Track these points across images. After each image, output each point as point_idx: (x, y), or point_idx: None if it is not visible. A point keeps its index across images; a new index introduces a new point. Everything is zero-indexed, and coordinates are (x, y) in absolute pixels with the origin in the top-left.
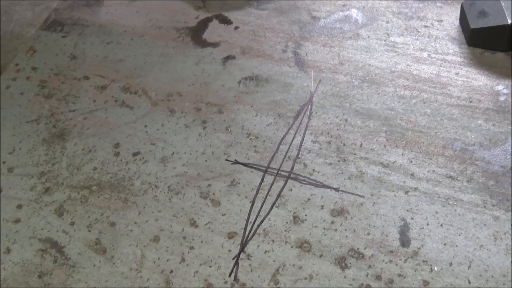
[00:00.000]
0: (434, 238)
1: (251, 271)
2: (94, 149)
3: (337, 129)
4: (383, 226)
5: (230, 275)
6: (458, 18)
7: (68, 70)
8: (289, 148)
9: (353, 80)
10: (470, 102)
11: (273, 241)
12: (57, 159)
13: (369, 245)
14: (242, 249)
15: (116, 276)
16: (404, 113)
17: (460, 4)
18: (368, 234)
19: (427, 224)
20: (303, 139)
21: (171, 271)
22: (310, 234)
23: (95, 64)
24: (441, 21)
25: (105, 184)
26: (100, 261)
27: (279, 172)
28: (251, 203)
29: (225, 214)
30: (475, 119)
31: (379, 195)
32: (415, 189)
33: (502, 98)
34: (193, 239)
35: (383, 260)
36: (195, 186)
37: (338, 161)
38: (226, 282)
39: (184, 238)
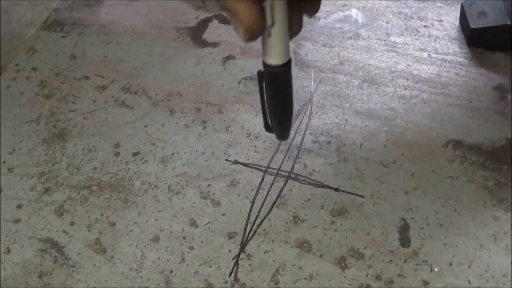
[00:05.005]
0: (434, 238)
1: (251, 271)
2: (94, 149)
3: (337, 129)
4: (383, 226)
5: (230, 275)
6: (458, 18)
7: (68, 70)
8: (289, 148)
9: (353, 80)
10: (470, 102)
11: (273, 241)
12: (57, 159)
13: (369, 245)
14: (242, 249)
15: (116, 276)
16: (404, 113)
17: (460, 4)
18: (368, 234)
19: (427, 224)
20: (303, 139)
21: (171, 271)
22: (310, 234)
23: (95, 64)
24: (441, 21)
25: (105, 184)
26: (100, 261)
27: (279, 172)
28: (251, 203)
29: (225, 214)
30: (475, 119)
31: (379, 195)
32: (415, 189)
33: (502, 98)
34: (193, 239)
35: (383, 260)
36: (195, 186)
37: (338, 161)
38: (226, 282)
39: (184, 238)
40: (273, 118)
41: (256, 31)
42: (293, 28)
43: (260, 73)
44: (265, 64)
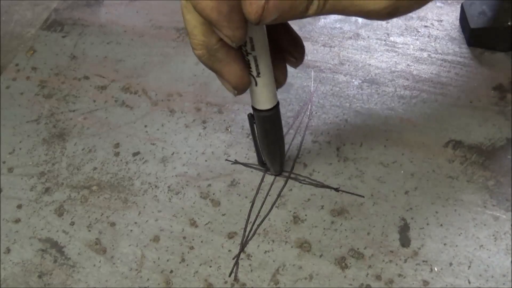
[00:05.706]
0: (434, 238)
1: (251, 271)
2: (94, 149)
3: (337, 129)
4: (383, 226)
5: (230, 275)
6: (458, 18)
7: (68, 70)
8: (289, 148)
9: (353, 80)
10: (470, 102)
11: (273, 241)
12: (57, 159)
13: (369, 245)
14: (242, 249)
15: (116, 276)
16: (404, 113)
17: (460, 4)
18: (368, 234)
19: (427, 224)
20: (303, 139)
21: (171, 271)
22: (310, 234)
23: (95, 64)
24: (441, 21)
25: (105, 184)
26: (100, 261)
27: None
28: (251, 203)
29: (225, 214)
30: (475, 119)
31: (379, 195)
32: (415, 189)
33: (502, 98)
34: (193, 239)
35: (383, 260)
36: (195, 186)
37: (338, 161)
38: (226, 282)
39: (184, 238)
40: (266, 156)
41: (245, 86)
42: (278, 80)
43: (250, 116)
44: (254, 109)
